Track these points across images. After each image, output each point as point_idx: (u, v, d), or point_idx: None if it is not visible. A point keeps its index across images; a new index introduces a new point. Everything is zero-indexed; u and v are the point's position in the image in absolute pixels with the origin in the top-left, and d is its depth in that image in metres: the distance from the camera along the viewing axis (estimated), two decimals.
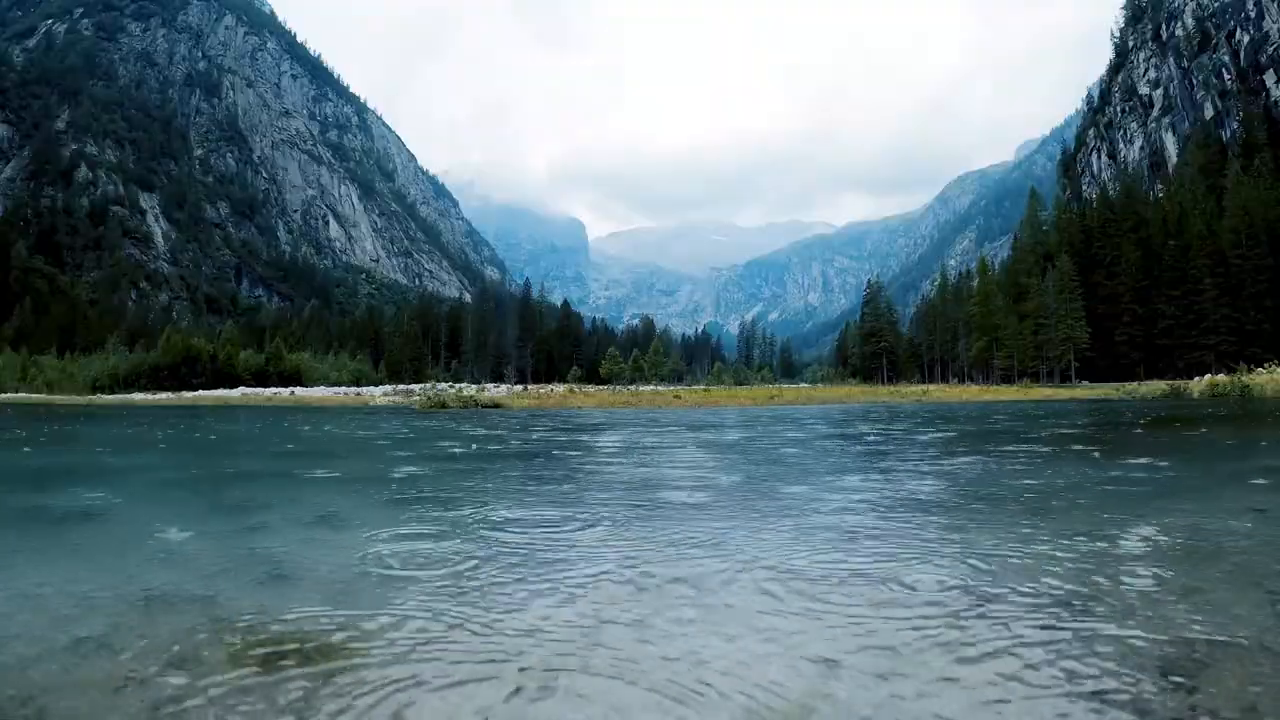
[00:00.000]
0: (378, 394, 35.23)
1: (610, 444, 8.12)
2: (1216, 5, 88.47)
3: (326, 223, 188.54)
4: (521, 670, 1.40)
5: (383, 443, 8.94)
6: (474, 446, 8.01)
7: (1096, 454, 6.61)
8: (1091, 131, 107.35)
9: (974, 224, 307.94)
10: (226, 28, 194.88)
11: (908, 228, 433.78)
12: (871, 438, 8.68)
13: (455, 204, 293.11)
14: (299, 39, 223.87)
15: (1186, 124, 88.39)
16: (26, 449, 8.32)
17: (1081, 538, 2.57)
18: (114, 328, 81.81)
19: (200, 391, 44.71)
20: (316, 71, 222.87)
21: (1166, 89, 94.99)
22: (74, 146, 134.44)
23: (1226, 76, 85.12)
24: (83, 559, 2.47)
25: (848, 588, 1.96)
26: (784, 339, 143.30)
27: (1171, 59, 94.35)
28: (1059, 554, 2.33)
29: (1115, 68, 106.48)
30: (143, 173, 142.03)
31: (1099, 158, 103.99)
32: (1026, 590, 1.90)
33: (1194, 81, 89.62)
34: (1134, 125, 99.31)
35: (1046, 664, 1.38)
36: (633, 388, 44.00)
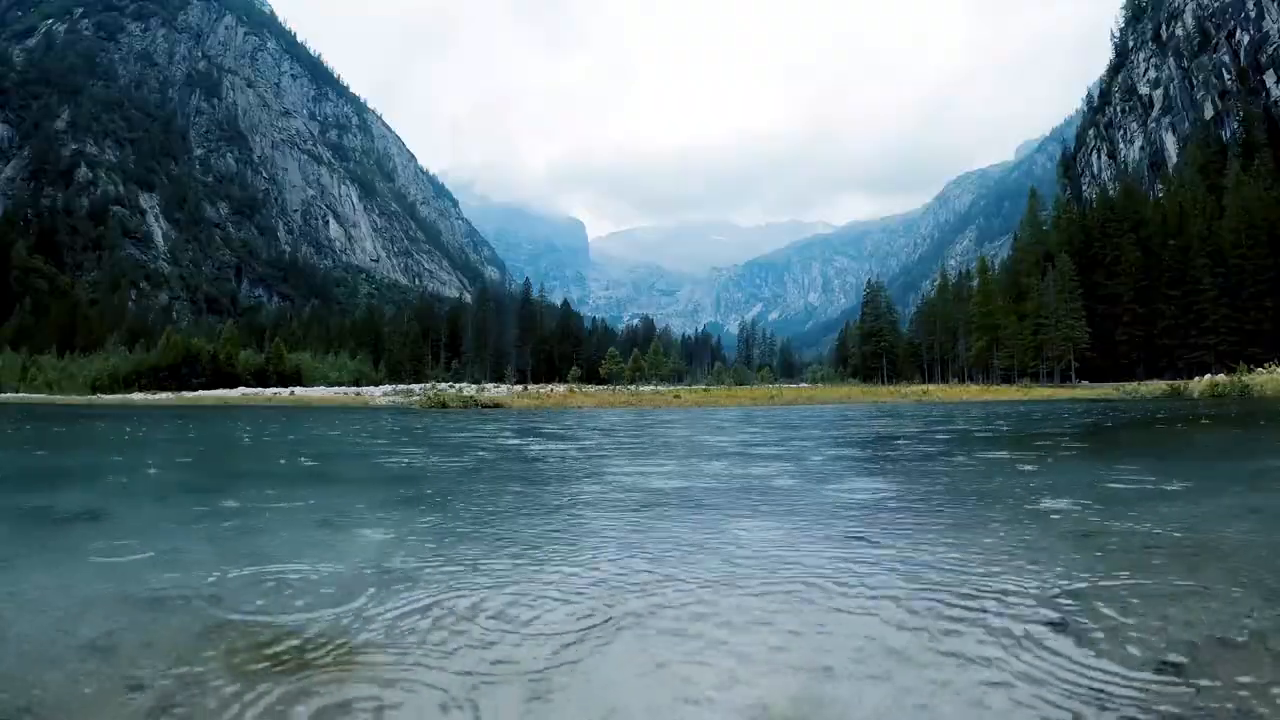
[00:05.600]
0: (378, 394, 35.23)
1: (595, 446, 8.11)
2: (1216, 5, 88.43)
3: (326, 223, 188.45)
4: (523, 671, 1.40)
5: (382, 443, 8.94)
6: (473, 448, 8.01)
7: (1096, 454, 6.62)
8: (1091, 131, 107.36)
9: (974, 224, 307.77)
10: (226, 28, 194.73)
11: (908, 228, 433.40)
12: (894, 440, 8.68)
13: (455, 204, 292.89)
14: (299, 39, 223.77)
15: (1186, 124, 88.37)
16: (27, 449, 8.32)
17: (1081, 537, 2.58)
18: (114, 328, 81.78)
19: (200, 391, 44.71)
20: (316, 71, 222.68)
21: (1166, 89, 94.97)
22: (74, 146, 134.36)
23: (1226, 76, 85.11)
24: (83, 560, 2.47)
25: (848, 587, 1.96)
26: (784, 339, 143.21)
27: (1171, 59, 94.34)
28: (1058, 553, 2.33)
29: (1115, 68, 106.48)
30: (143, 173, 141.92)
31: (1099, 158, 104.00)
32: (1025, 590, 1.89)
33: (1194, 81, 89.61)
34: (1134, 125, 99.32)
35: (1045, 664, 1.39)
36: (633, 388, 44.01)
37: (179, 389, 49.24)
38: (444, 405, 22.27)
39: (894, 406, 21.32)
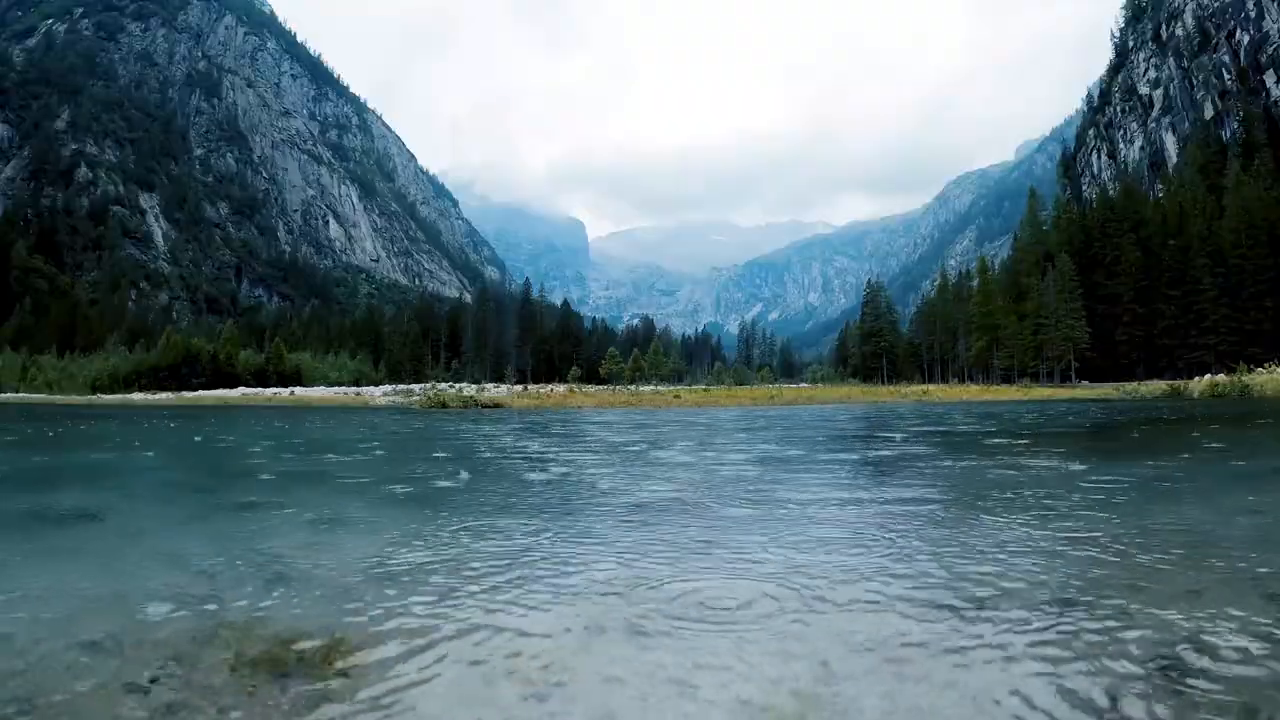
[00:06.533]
0: (378, 394, 35.21)
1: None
2: (1216, 5, 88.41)
3: (326, 223, 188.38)
4: (523, 670, 1.40)
5: (382, 444, 8.94)
6: (472, 448, 8.01)
7: (1097, 454, 6.63)
8: (1091, 131, 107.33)
9: (974, 224, 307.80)
10: (226, 28, 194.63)
11: (908, 228, 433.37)
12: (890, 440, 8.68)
13: (455, 204, 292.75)
14: (299, 39, 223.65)
15: (1186, 124, 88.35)
16: (27, 450, 8.33)
17: (1082, 538, 2.58)
18: (114, 328, 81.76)
19: (200, 391, 44.70)
20: (316, 71, 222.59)
21: (1166, 89, 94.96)
22: (74, 146, 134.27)
23: (1226, 76, 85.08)
24: (84, 560, 2.48)
25: (847, 587, 1.96)
26: (784, 339, 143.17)
27: (1171, 59, 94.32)
28: (1059, 555, 2.33)
29: (1115, 68, 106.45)
30: (143, 173, 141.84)
31: (1099, 158, 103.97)
32: (1025, 591, 1.90)
33: (1194, 81, 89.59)
34: (1134, 125, 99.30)
35: (1045, 665, 1.39)
36: (633, 388, 44.01)
37: (179, 389, 49.22)
38: (444, 405, 22.27)
39: (894, 407, 21.32)
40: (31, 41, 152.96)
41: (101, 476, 5.46)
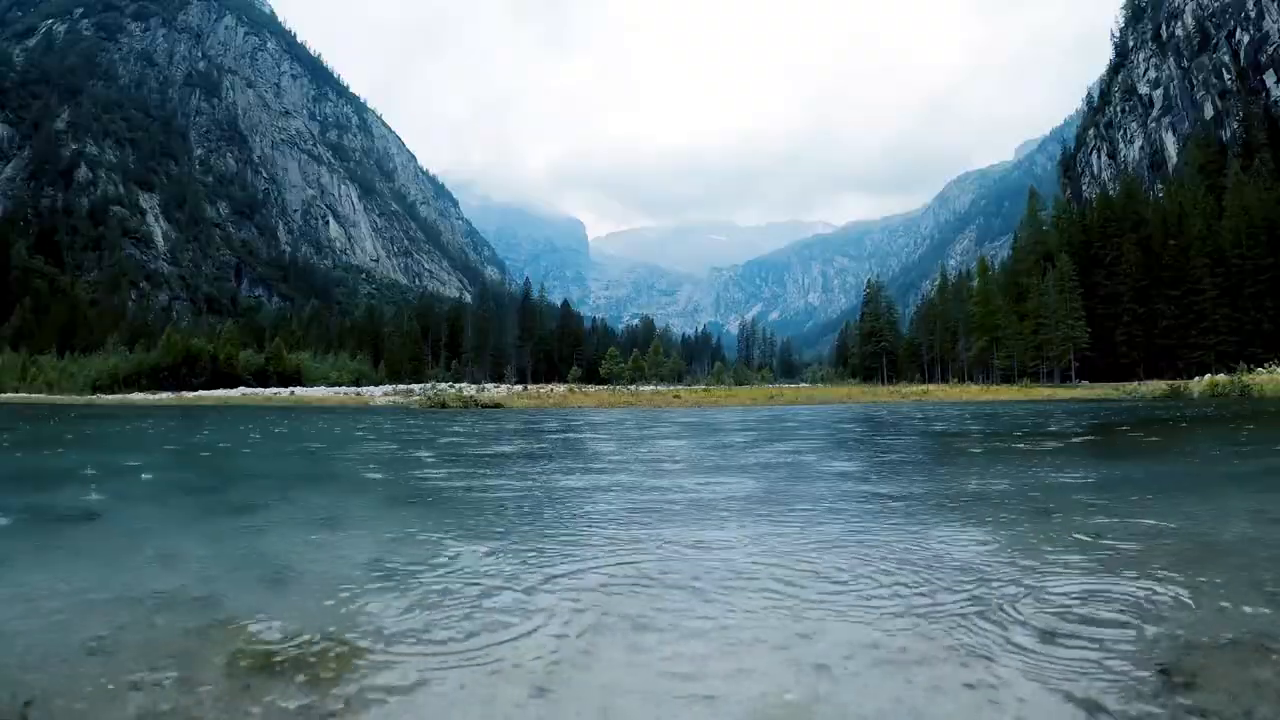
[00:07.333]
0: (378, 394, 35.18)
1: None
2: (1216, 5, 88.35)
3: (326, 223, 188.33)
4: (522, 670, 1.40)
5: (381, 444, 8.93)
6: (470, 449, 8.02)
7: (1097, 454, 6.63)
8: (1091, 131, 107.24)
9: (974, 224, 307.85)
10: (226, 28, 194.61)
11: (908, 228, 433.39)
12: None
13: (455, 204, 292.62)
14: (299, 39, 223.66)
15: (1186, 124, 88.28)
16: (28, 450, 8.33)
17: (1082, 538, 2.58)
18: (114, 328, 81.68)
19: (200, 391, 44.68)
20: (316, 71, 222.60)
21: (1166, 89, 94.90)
22: (74, 146, 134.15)
23: (1226, 76, 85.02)
24: (84, 560, 2.48)
25: (848, 586, 1.96)
26: (784, 339, 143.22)
27: (1171, 59, 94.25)
28: (1059, 554, 2.33)
29: (1115, 67, 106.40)
30: (143, 173, 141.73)
31: (1099, 157, 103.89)
32: (1025, 590, 1.89)
33: (1194, 81, 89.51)
34: (1134, 125, 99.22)
35: (1045, 664, 1.39)
36: (633, 388, 43.94)
37: (179, 389, 49.19)
38: (444, 405, 22.26)
39: (894, 407, 21.32)
40: (31, 41, 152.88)
41: (102, 477, 5.45)
